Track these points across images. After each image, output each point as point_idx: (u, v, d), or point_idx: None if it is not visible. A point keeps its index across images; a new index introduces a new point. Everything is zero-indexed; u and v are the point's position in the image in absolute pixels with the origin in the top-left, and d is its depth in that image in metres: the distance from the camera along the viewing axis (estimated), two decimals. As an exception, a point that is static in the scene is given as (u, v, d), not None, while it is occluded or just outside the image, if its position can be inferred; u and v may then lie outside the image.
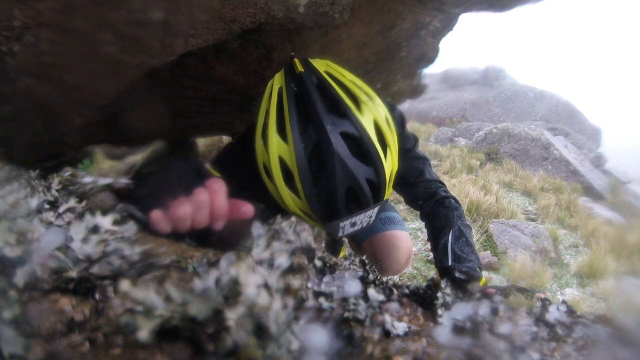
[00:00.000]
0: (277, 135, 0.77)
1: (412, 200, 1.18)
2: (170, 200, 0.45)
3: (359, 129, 0.76)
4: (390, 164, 0.82)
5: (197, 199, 0.46)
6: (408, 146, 1.11)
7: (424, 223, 1.18)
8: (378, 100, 0.85)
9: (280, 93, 0.80)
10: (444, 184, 1.16)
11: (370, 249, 1.38)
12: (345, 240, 2.17)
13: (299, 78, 0.79)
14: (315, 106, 0.75)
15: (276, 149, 0.77)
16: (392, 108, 1.08)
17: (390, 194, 0.89)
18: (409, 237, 1.42)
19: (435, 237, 1.08)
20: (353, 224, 0.81)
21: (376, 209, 0.82)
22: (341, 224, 0.79)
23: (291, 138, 0.75)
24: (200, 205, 0.46)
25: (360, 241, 1.43)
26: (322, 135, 0.74)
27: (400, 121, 1.09)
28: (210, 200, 0.47)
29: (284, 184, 0.79)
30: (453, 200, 1.12)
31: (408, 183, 1.13)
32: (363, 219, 0.82)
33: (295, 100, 0.77)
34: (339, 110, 0.77)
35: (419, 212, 1.20)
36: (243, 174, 0.97)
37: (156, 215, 0.44)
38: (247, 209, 0.50)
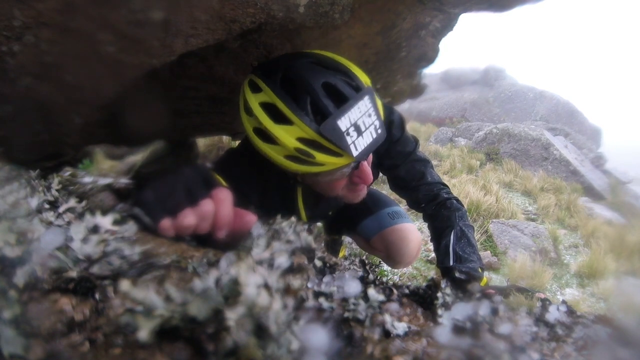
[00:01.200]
0: (254, 93, 0.83)
1: (415, 204, 1.18)
2: (177, 209, 0.47)
3: (313, 55, 0.84)
4: (362, 75, 0.85)
5: (203, 210, 0.48)
6: (409, 149, 1.11)
7: (426, 224, 1.19)
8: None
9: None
10: (446, 186, 1.16)
11: (382, 243, 1.40)
12: (345, 240, 2.17)
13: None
14: (275, 62, 0.84)
15: (255, 99, 0.82)
16: (391, 111, 1.09)
17: (369, 80, 0.88)
18: (417, 229, 1.44)
19: (437, 238, 1.09)
20: (356, 127, 0.77)
21: (367, 101, 0.79)
22: (341, 123, 0.75)
23: (264, 85, 0.81)
24: (205, 216, 0.48)
25: (369, 238, 1.44)
26: (283, 67, 0.81)
27: (400, 124, 1.09)
28: (216, 210, 0.49)
29: (274, 124, 0.79)
30: (455, 202, 1.13)
31: (410, 186, 1.14)
32: (362, 117, 0.78)
33: (258, 77, 0.84)
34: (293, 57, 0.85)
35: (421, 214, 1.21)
36: (245, 178, 0.97)
37: (165, 224, 0.45)
38: (250, 219, 0.51)
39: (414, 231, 1.40)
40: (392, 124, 1.07)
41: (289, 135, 0.78)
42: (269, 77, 0.81)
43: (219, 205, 0.49)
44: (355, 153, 0.78)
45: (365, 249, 1.56)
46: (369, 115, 0.79)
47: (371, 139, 0.80)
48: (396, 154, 1.10)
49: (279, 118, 0.78)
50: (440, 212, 1.11)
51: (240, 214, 0.51)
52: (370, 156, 0.94)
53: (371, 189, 1.64)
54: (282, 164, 0.83)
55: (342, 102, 0.77)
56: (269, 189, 1.03)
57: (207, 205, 0.48)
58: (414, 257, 1.41)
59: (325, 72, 0.80)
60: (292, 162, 0.81)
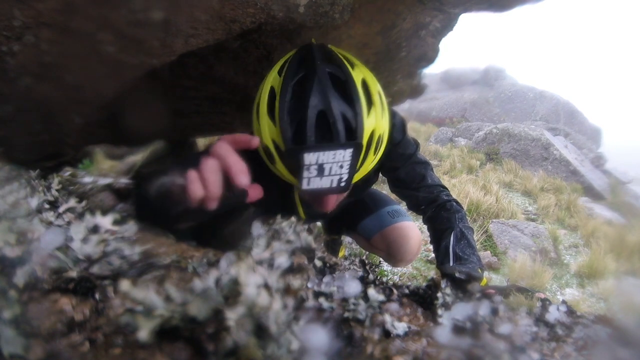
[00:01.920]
0: (276, 73, 0.83)
1: (415, 205, 1.19)
2: (195, 164, 0.49)
3: (346, 74, 0.80)
4: (373, 121, 0.81)
5: (205, 165, 0.50)
6: (409, 151, 1.12)
7: (426, 226, 1.19)
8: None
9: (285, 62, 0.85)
10: (446, 188, 1.17)
11: (382, 242, 1.41)
12: (345, 240, 2.17)
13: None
14: (312, 52, 0.82)
15: (270, 81, 0.82)
16: (392, 114, 1.09)
17: (376, 161, 0.88)
18: (417, 227, 1.45)
19: (437, 239, 1.09)
20: (320, 168, 0.75)
21: (348, 154, 0.75)
22: (306, 158, 0.74)
23: (285, 72, 0.80)
24: (210, 170, 0.50)
25: (370, 237, 1.45)
26: (310, 67, 0.79)
27: (401, 127, 1.10)
28: (223, 159, 0.51)
29: (267, 112, 0.80)
30: (455, 204, 1.14)
31: (410, 188, 1.15)
32: (332, 164, 0.75)
33: (295, 56, 0.84)
34: (332, 59, 0.82)
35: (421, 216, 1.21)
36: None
37: (192, 174, 0.47)
38: (257, 190, 0.56)
39: (414, 229, 1.40)
40: (394, 127, 1.07)
41: (268, 131, 0.80)
42: (296, 70, 0.80)
43: (223, 156, 0.51)
44: (304, 187, 0.76)
45: (366, 248, 1.56)
46: (341, 167, 0.77)
47: (329, 185, 0.77)
48: (397, 156, 1.11)
49: (272, 111, 0.80)
50: (440, 213, 1.11)
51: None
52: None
53: (370, 188, 1.64)
54: (258, 149, 0.85)
55: (325, 141, 0.76)
56: (267, 183, 1.03)
57: (208, 161, 0.50)
58: (415, 254, 1.42)
59: (335, 99, 0.77)
60: (263, 153, 0.84)
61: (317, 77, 0.77)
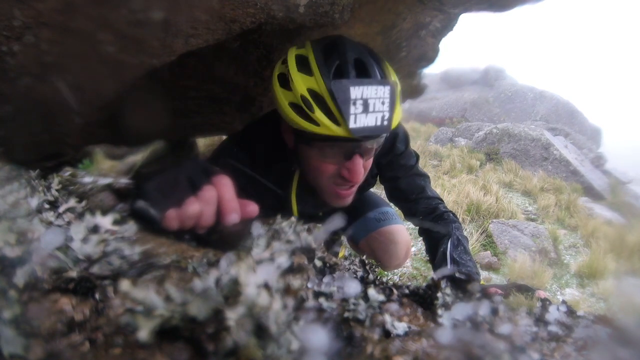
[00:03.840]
0: (297, 49, 0.87)
1: (413, 215, 1.20)
2: (182, 198, 0.46)
3: (366, 45, 0.88)
4: (394, 77, 0.89)
5: (206, 196, 0.48)
6: (411, 163, 1.15)
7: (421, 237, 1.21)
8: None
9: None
10: (442, 201, 1.20)
11: (369, 247, 1.40)
12: (345, 240, 2.17)
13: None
14: (336, 38, 0.87)
15: (294, 51, 0.86)
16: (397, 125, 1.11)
17: (398, 121, 0.89)
18: (406, 230, 1.44)
19: (434, 246, 1.11)
20: (365, 103, 0.77)
21: (387, 90, 0.79)
22: (352, 91, 0.75)
23: (309, 45, 0.85)
24: (209, 201, 0.48)
25: (357, 240, 1.44)
26: (342, 39, 0.85)
27: (404, 138, 1.13)
28: (219, 195, 0.48)
29: (297, 70, 0.82)
30: (452, 214, 1.16)
31: (410, 199, 1.17)
32: (375, 99, 0.78)
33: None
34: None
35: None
36: (239, 169, 0.97)
37: (171, 214, 0.45)
38: (253, 208, 0.51)
39: (401, 233, 1.39)
40: (397, 137, 1.11)
41: (302, 83, 0.80)
42: (317, 44, 0.85)
43: (222, 190, 0.49)
44: (352, 125, 0.76)
45: (357, 252, 1.55)
46: (382, 103, 0.79)
47: (374, 123, 0.79)
48: (398, 167, 1.13)
49: (304, 67, 0.82)
50: (438, 223, 1.13)
51: (242, 203, 0.51)
52: (370, 162, 0.94)
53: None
54: (285, 112, 0.85)
55: (365, 77, 0.79)
56: (264, 177, 1.03)
57: (209, 190, 0.48)
58: (404, 258, 1.41)
59: (366, 53, 0.83)
60: (293, 111, 0.83)
61: (345, 41, 0.84)
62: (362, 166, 0.88)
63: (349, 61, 0.79)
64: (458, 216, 1.23)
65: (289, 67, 0.83)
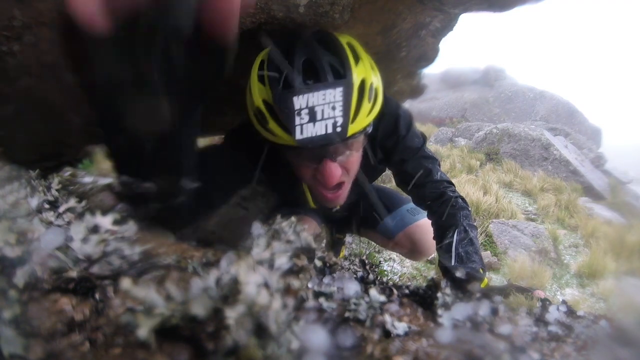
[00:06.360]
0: (265, 52, 0.85)
1: (421, 200, 1.18)
2: None
3: (329, 34, 0.84)
4: (362, 70, 0.80)
5: None
6: (416, 145, 1.10)
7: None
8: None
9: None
10: (452, 184, 1.16)
11: (407, 240, 1.44)
12: (345, 240, 2.17)
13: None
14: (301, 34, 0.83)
15: (260, 57, 0.83)
16: (398, 106, 1.09)
17: (375, 114, 0.84)
18: None
19: (441, 236, 1.09)
20: (312, 112, 0.71)
21: (339, 93, 0.72)
22: (296, 101, 0.71)
23: (274, 46, 0.79)
24: None
25: (393, 235, 1.47)
26: (294, 34, 0.81)
27: (407, 120, 1.09)
28: None
29: (256, 79, 0.81)
30: (461, 200, 1.13)
31: (416, 183, 1.12)
32: (324, 105, 0.72)
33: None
34: (318, 31, 0.86)
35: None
36: (255, 152, 0.96)
37: None
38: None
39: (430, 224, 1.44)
40: (399, 119, 1.06)
41: (258, 94, 0.80)
42: (276, 45, 0.79)
43: None
44: (298, 136, 0.73)
45: (387, 247, 1.59)
46: (333, 108, 0.73)
47: (323, 132, 0.73)
48: (404, 149, 1.09)
49: (262, 77, 0.80)
50: (445, 210, 1.10)
51: None
52: (355, 156, 0.91)
53: (384, 187, 1.64)
54: (251, 119, 0.85)
55: (315, 80, 0.74)
56: (277, 175, 1.02)
57: None
58: (435, 248, 1.46)
59: (319, 51, 0.77)
60: (256, 121, 0.83)
61: (302, 38, 0.79)
62: (336, 168, 0.85)
63: (295, 67, 0.74)
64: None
65: (252, 73, 0.82)
